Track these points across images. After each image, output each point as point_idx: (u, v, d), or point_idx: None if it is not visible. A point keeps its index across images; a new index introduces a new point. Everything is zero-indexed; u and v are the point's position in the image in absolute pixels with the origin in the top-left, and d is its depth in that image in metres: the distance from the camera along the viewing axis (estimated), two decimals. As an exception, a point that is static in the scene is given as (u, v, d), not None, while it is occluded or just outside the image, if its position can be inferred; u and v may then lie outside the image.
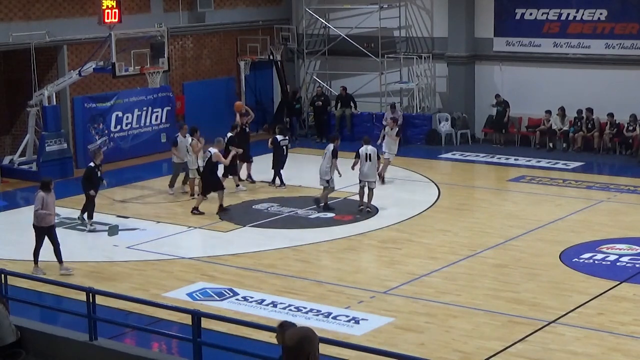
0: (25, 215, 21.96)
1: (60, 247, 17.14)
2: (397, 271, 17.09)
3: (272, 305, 15.36)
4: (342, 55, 31.39)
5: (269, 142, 23.94)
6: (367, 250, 18.57)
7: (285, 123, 27.52)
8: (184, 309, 12.48)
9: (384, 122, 29.46)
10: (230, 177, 22.97)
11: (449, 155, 27.85)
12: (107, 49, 23.84)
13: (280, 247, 18.88)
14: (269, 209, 21.68)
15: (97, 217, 20.93)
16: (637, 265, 17.06)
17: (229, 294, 15.99)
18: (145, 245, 18.99)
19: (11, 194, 24.00)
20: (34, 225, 17.07)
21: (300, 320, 14.41)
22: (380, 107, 30.49)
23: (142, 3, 28.29)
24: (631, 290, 15.84)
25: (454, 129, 29.48)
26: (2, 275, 13.12)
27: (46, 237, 17.09)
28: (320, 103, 30.58)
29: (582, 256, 17.72)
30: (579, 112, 27.63)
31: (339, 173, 21.19)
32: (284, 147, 23.77)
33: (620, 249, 18.04)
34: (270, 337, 12.22)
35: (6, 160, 25.85)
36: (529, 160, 26.69)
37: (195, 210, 21.13)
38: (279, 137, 23.87)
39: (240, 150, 22.85)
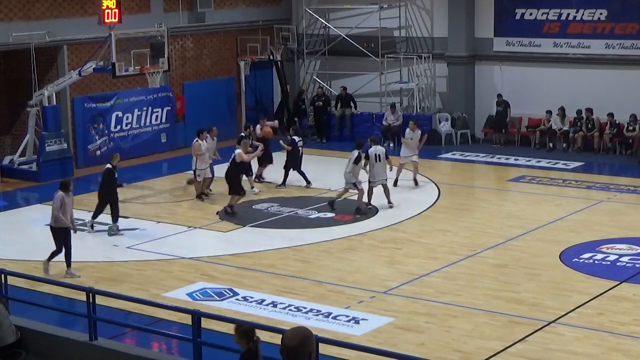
0: (25, 215, 22.02)
1: (65, 251, 16.97)
2: (397, 271, 17.09)
3: (272, 305, 15.36)
4: (342, 55, 31.39)
5: (284, 143, 23.75)
6: (367, 250, 18.57)
7: (294, 123, 27.28)
8: (184, 309, 12.49)
9: (384, 122, 29.55)
10: (245, 178, 22.73)
11: (449, 155, 27.86)
12: (107, 49, 23.83)
13: (280, 247, 18.88)
14: (269, 209, 21.68)
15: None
16: (637, 265, 17.06)
17: (229, 294, 15.99)
18: (145, 245, 18.99)
19: (11, 194, 24.00)
20: (50, 226, 16.90)
21: (300, 320, 14.44)
22: (380, 107, 30.50)
23: (142, 3, 28.29)
24: (631, 290, 15.84)
25: (454, 129, 29.49)
26: (2, 275, 13.13)
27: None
28: (321, 103, 30.59)
29: (582, 256, 17.72)
30: (579, 112, 27.64)
31: (357, 180, 21.08)
32: (300, 148, 23.76)
33: (620, 249, 18.04)
34: (271, 337, 12.25)
35: (6, 160, 25.85)
36: (529, 160, 26.69)
37: (229, 209, 20.96)
38: (296, 138, 23.87)
39: (262, 148, 22.76)
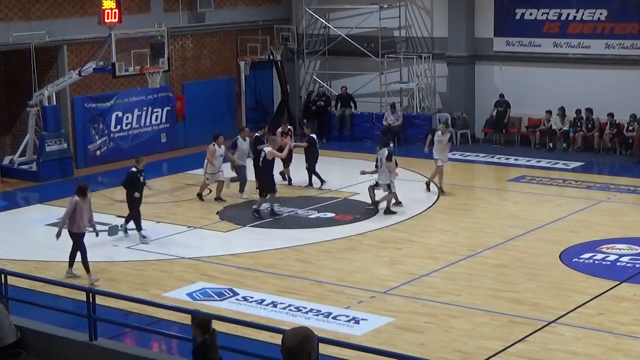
0: (25, 215, 22.02)
1: (71, 251, 16.81)
2: (397, 271, 17.09)
3: (272, 305, 15.36)
4: (342, 55, 31.40)
5: (304, 141, 23.62)
6: (367, 250, 18.56)
7: (304, 124, 26.98)
8: (184, 309, 12.49)
9: (384, 122, 29.54)
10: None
11: (449, 155, 27.78)
12: (107, 49, 23.84)
13: (280, 247, 18.88)
14: (269, 209, 21.67)
15: (96, 217, 20.85)
16: (637, 265, 17.06)
17: (229, 294, 15.98)
18: (145, 245, 18.98)
19: (11, 194, 24.00)
20: (69, 231, 16.62)
21: (300, 320, 14.44)
22: (380, 107, 30.50)
23: (142, 3, 28.29)
24: (631, 290, 15.84)
25: (454, 129, 29.47)
26: (2, 275, 13.12)
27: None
28: (322, 103, 30.59)
29: (582, 256, 17.72)
30: (578, 111, 27.65)
31: (395, 175, 20.98)
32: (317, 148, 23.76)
33: (620, 249, 18.04)
34: (271, 337, 12.27)
35: (6, 160, 25.85)
36: (529, 160, 26.69)
37: (256, 214, 20.73)
38: (314, 136, 23.83)
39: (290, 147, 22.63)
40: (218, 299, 15.75)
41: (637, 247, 18.11)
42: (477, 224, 20.27)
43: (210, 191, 22.69)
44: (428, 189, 22.91)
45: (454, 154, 27.70)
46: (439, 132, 23.27)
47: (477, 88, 29.90)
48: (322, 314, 14.85)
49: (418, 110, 30.44)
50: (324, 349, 9.85)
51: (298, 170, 23.90)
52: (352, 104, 30.72)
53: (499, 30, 29.30)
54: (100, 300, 12.52)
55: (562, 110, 28.06)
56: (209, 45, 30.64)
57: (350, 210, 21.28)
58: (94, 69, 24.52)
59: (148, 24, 26.47)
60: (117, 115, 27.68)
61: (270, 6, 32.39)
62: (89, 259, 16.60)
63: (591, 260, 17.48)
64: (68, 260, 16.83)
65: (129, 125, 28.05)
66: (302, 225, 20.39)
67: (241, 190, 22.64)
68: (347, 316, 14.76)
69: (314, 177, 23.53)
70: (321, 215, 21.05)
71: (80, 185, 16.86)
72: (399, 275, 16.80)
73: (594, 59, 27.91)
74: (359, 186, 22.80)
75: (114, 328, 13.28)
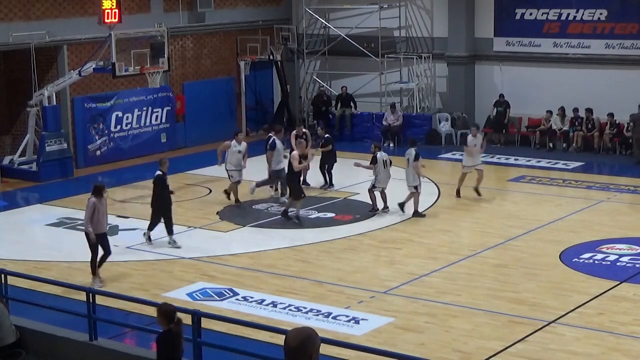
0: (25, 215, 22.01)
1: (91, 257, 16.58)
2: (397, 271, 17.09)
3: (272, 305, 15.35)
4: (342, 55, 31.40)
5: (321, 143, 23.45)
6: (367, 250, 18.56)
7: (319, 125, 26.80)
8: (184, 309, 12.48)
9: (384, 122, 29.54)
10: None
11: (449, 155, 27.85)
12: (107, 49, 23.84)
13: (280, 247, 18.88)
14: (269, 209, 21.67)
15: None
16: (637, 265, 17.06)
17: (229, 294, 15.98)
18: (145, 245, 18.97)
19: (11, 194, 23.99)
20: (85, 233, 16.42)
21: (300, 320, 14.44)
22: (380, 107, 30.51)
23: (142, 3, 28.29)
24: (631, 290, 15.84)
25: (454, 129, 29.49)
26: (2, 275, 13.12)
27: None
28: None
29: (582, 256, 17.72)
30: (575, 111, 27.64)
31: (421, 176, 20.85)
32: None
33: (620, 249, 18.04)
34: (271, 337, 12.27)
35: (6, 160, 25.85)
36: (529, 160, 26.69)
37: (284, 216, 20.47)
38: (329, 136, 23.76)
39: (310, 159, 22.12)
40: (218, 299, 15.75)
41: (637, 247, 18.11)
42: (477, 224, 20.28)
43: (229, 197, 22.21)
44: (478, 194, 22.17)
45: (453, 154, 27.76)
46: (470, 135, 22.77)
47: (477, 88, 29.90)
48: (322, 314, 14.85)
49: (418, 110, 30.44)
50: (324, 349, 9.81)
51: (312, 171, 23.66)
52: (352, 104, 30.72)
53: (499, 30, 29.31)
54: (100, 300, 12.53)
55: (562, 110, 28.06)
56: (209, 45, 30.64)
57: (350, 210, 21.28)
58: (94, 69, 24.52)
59: (148, 24, 26.48)
60: (117, 115, 27.68)
61: (270, 6, 32.40)
62: (89, 260, 16.57)
63: (591, 260, 17.48)
64: (97, 265, 16.44)
65: (129, 125, 28.05)
66: (302, 225, 20.37)
67: (282, 194, 22.06)
68: (347, 316, 14.76)
69: (318, 177, 23.40)
70: (321, 215, 21.05)
71: (97, 185, 16.55)
72: (399, 275, 16.80)
73: (594, 59, 27.92)
74: (359, 186, 22.81)
75: (114, 328, 13.28)
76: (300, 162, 20.39)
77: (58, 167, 25.25)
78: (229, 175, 21.91)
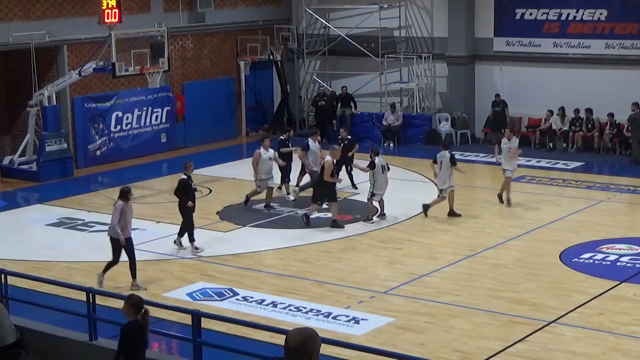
0: (25, 215, 22.01)
1: (130, 263, 16.33)
2: (397, 271, 17.09)
3: (272, 305, 15.35)
4: (342, 55, 31.41)
5: (343, 146, 22.67)
6: (367, 250, 18.56)
7: (341, 128, 26.47)
8: (184, 309, 12.49)
9: (384, 122, 29.53)
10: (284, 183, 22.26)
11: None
12: (107, 49, 23.84)
13: (280, 247, 18.88)
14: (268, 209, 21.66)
15: (96, 217, 20.97)
16: (637, 265, 17.06)
17: (229, 294, 15.98)
18: (145, 245, 18.95)
19: (11, 194, 24.00)
20: (110, 237, 16.19)
21: (300, 320, 14.44)
22: (380, 107, 30.51)
23: (142, 3, 28.29)
24: (631, 290, 15.84)
25: (454, 129, 29.48)
26: (2, 275, 13.13)
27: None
28: (324, 103, 30.57)
29: (582, 256, 17.72)
30: (576, 111, 27.64)
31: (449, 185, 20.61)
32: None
33: (620, 249, 18.04)
34: (271, 337, 12.28)
35: (6, 160, 25.86)
36: (529, 160, 26.68)
37: (305, 218, 20.18)
38: (351, 138, 23.69)
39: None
40: (218, 299, 15.75)
41: (637, 247, 18.10)
42: (477, 224, 20.28)
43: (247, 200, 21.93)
44: (501, 200, 21.85)
45: (454, 154, 27.69)
46: (505, 138, 22.26)
47: (477, 88, 29.90)
48: (322, 314, 14.85)
49: (418, 110, 30.44)
50: (324, 349, 9.81)
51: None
52: (352, 104, 30.71)
53: (499, 30, 29.31)
54: (100, 300, 12.53)
55: (562, 110, 28.06)
56: (209, 45, 30.65)
57: (350, 210, 21.27)
58: (94, 69, 24.52)
59: (148, 24, 26.48)
60: (117, 115, 27.68)
61: (270, 6, 32.40)
62: (89, 260, 16.56)
63: (591, 260, 17.48)
64: (130, 272, 16.28)
65: (129, 125, 28.05)
66: (302, 225, 20.36)
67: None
68: (347, 316, 14.76)
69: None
70: (321, 215, 21.04)
71: (123, 189, 16.32)
72: (399, 275, 16.80)
73: (594, 59, 27.92)
74: (359, 186, 22.79)
75: (114, 328, 13.24)
76: (332, 175, 19.98)
77: (58, 167, 25.25)
78: (257, 185, 21.34)
